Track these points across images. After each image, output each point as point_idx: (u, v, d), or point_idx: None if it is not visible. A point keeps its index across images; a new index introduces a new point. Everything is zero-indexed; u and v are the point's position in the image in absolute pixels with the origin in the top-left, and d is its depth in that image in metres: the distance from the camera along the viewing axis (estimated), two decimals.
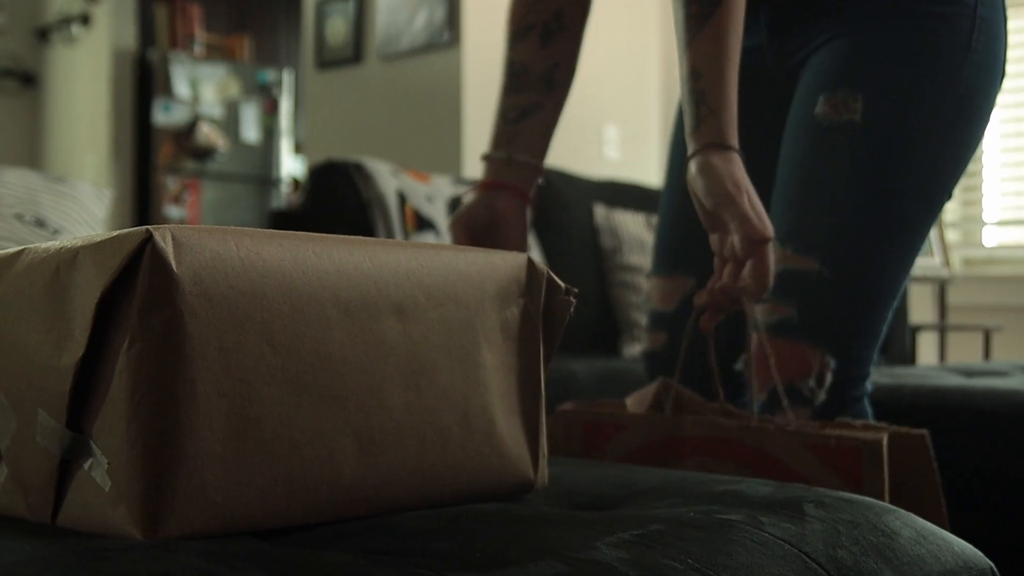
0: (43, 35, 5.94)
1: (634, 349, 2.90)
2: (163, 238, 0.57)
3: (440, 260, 0.70)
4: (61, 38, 5.80)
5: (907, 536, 0.78)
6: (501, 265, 0.74)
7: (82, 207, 1.68)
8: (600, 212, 3.09)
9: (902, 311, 3.27)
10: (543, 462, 0.79)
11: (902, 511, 0.83)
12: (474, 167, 3.65)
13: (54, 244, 0.63)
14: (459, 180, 2.85)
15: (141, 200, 5.54)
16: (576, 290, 0.77)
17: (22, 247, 0.66)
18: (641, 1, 4.43)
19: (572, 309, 0.77)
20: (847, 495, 0.83)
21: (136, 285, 0.57)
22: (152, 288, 0.57)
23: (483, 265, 0.72)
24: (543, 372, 0.78)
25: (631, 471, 0.91)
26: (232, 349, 0.60)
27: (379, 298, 0.66)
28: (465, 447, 0.72)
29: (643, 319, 2.93)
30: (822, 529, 0.74)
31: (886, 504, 0.83)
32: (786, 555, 0.70)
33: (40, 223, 1.55)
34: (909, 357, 3.37)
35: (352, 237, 0.66)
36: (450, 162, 3.67)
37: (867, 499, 0.83)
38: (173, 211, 5.54)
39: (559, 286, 0.77)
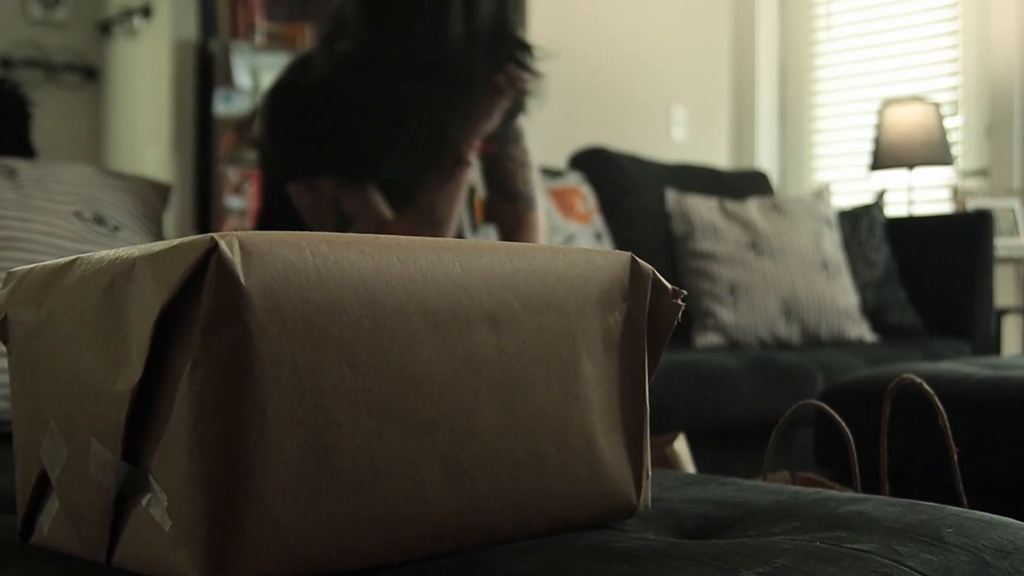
0: (105, 28, 5.95)
1: (707, 339, 2.81)
2: (230, 247, 0.49)
3: (537, 263, 0.62)
4: (123, 31, 5.80)
5: None
6: (603, 266, 0.66)
7: (143, 202, 1.63)
8: (672, 197, 3.00)
9: (986, 293, 3.14)
10: (647, 484, 0.71)
11: None
12: (541, 155, 3.57)
13: (108, 254, 0.56)
14: None
15: (202, 191, 5.54)
16: (684, 292, 0.69)
17: (74, 256, 0.59)
18: None
19: (680, 314, 0.69)
20: (986, 515, 0.75)
21: (200, 300, 0.50)
22: (218, 304, 0.50)
23: (584, 267, 0.65)
24: (648, 383, 0.70)
25: (737, 487, 0.83)
26: (307, 371, 0.52)
27: (470, 308, 0.58)
28: (563, 470, 0.65)
29: (717, 308, 2.84)
30: (968, 560, 0.66)
31: None
32: None
33: (99, 220, 1.50)
34: (994, 343, 3.24)
35: (440, 240, 0.58)
36: None
37: (1008, 520, 0.75)
38: (234, 202, 5.53)
39: (665, 288, 0.69)
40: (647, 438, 0.70)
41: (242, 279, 0.50)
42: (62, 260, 0.60)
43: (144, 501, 0.55)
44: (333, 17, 1.65)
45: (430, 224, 1.61)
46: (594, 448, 0.66)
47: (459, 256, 0.58)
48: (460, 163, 1.61)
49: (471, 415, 0.59)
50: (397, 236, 0.56)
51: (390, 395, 0.56)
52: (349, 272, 0.53)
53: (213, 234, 0.49)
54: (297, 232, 0.52)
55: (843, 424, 0.88)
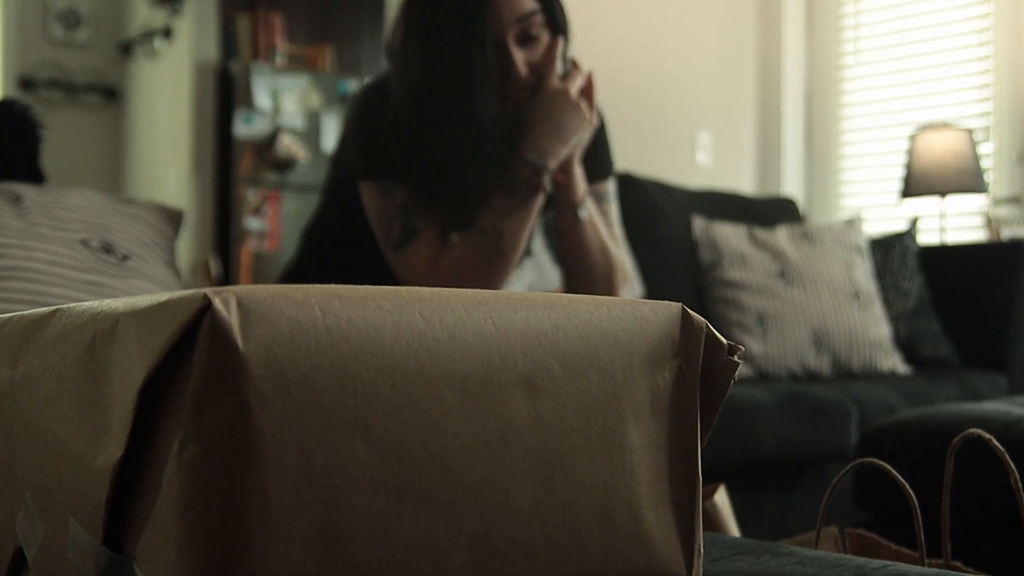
0: (126, 50, 5.93)
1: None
2: (225, 305, 0.42)
3: (579, 318, 0.55)
4: (144, 52, 5.78)
5: None
6: (651, 319, 0.58)
7: (154, 229, 1.57)
8: (699, 224, 2.92)
9: (1020, 323, 3.04)
10: (699, 562, 0.63)
11: None
12: None
13: (91, 306, 0.49)
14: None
15: (222, 212, 5.50)
16: (742, 348, 0.61)
17: (55, 308, 0.52)
18: (737, 3, 4.24)
19: (736, 373, 0.61)
20: None
21: (190, 368, 0.43)
22: (211, 372, 0.42)
23: (630, 321, 0.57)
24: (700, 449, 0.62)
25: (794, 559, 0.75)
26: (316, 448, 0.45)
27: (504, 371, 0.51)
28: (606, 550, 0.57)
29: (746, 338, 2.75)
30: None
31: None
32: None
33: (107, 248, 1.43)
34: None
35: (468, 292, 0.51)
36: None
37: None
38: (253, 223, 5.49)
39: (720, 343, 0.62)
40: (699, 511, 0.62)
41: (239, 343, 0.42)
42: (42, 311, 0.53)
43: None
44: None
45: (493, 252, 1.49)
46: (641, 525, 0.59)
47: (491, 312, 0.51)
48: (535, 189, 1.49)
49: (503, 492, 0.52)
50: (420, 289, 0.49)
51: (411, 472, 0.48)
52: (364, 332, 0.46)
53: (206, 290, 0.42)
54: (305, 287, 0.45)
55: (907, 485, 0.80)
